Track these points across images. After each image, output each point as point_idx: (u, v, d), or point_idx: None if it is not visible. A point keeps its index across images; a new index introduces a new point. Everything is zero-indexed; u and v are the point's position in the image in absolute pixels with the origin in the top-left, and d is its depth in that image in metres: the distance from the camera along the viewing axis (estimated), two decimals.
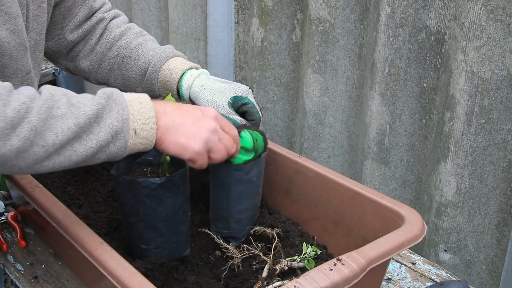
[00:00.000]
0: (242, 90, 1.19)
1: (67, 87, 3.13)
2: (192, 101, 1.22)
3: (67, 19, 1.25)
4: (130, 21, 1.39)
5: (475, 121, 1.58)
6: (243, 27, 2.29)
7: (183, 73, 1.23)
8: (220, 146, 1.00)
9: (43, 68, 3.06)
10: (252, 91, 1.22)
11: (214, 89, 1.18)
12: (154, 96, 1.27)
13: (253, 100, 1.20)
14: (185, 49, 2.52)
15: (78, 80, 3.29)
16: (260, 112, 1.20)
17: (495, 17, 1.48)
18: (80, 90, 3.29)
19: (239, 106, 1.19)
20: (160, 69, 1.24)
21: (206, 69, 2.47)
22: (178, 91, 1.24)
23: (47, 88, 0.90)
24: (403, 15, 1.68)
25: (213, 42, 2.34)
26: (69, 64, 1.31)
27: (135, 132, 0.92)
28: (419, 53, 1.71)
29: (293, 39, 2.10)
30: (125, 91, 1.29)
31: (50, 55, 1.30)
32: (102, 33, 1.29)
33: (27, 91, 0.86)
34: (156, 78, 1.25)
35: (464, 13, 1.53)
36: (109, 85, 1.32)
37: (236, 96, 1.18)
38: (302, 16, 2.05)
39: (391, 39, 1.71)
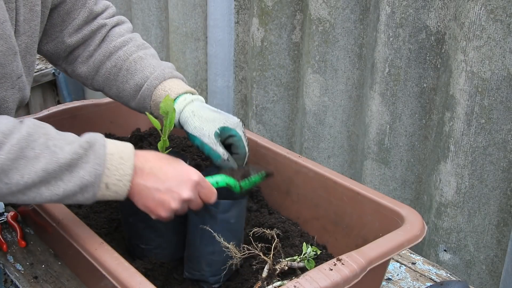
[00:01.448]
0: (232, 122, 1.15)
1: (67, 87, 3.13)
2: (181, 126, 1.19)
3: (66, 22, 1.23)
4: (130, 21, 1.37)
5: (475, 121, 1.58)
6: (243, 27, 2.29)
7: (177, 97, 1.19)
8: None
9: (43, 68, 3.06)
10: (243, 125, 1.18)
11: (204, 117, 1.15)
12: (146, 111, 1.24)
13: (241, 133, 1.15)
14: (185, 49, 2.52)
15: None
16: (247, 147, 1.16)
17: (495, 17, 1.48)
18: (80, 90, 3.29)
19: (226, 137, 1.15)
20: (155, 88, 1.21)
21: (206, 69, 2.47)
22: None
23: (28, 125, 0.90)
24: (403, 15, 1.68)
25: (213, 42, 2.34)
26: (68, 67, 1.30)
27: (107, 186, 0.93)
28: (419, 53, 1.71)
29: (293, 39, 2.10)
30: (120, 102, 1.29)
31: (49, 57, 1.29)
32: (102, 40, 1.27)
33: (4, 125, 0.87)
34: (149, 97, 1.21)
35: (464, 13, 1.53)
36: (104, 93, 1.31)
37: (224, 126, 1.14)
38: (302, 16, 2.05)
39: (391, 39, 1.71)
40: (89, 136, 0.94)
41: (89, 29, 1.25)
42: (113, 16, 1.30)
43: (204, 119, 1.14)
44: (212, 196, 1.03)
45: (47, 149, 0.88)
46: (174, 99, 1.19)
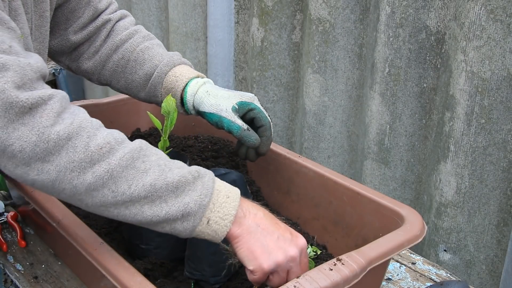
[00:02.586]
0: (248, 96, 1.16)
1: (67, 87, 3.13)
2: (195, 109, 1.19)
3: (71, 21, 1.23)
4: None
5: (475, 121, 1.58)
6: (243, 27, 2.29)
7: (189, 81, 1.20)
8: (283, 275, 0.92)
9: None
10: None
11: (219, 95, 1.16)
12: (157, 101, 1.24)
13: (259, 105, 1.17)
14: (185, 49, 2.52)
15: (78, 80, 3.29)
16: (268, 117, 1.17)
17: (495, 17, 1.48)
18: (80, 90, 3.29)
19: (245, 112, 1.15)
20: (165, 75, 1.21)
21: (206, 69, 2.47)
22: (182, 98, 1.22)
23: (141, 141, 0.87)
24: (403, 15, 1.68)
25: (213, 42, 2.34)
26: (71, 64, 1.30)
27: (208, 222, 0.87)
28: (419, 53, 1.71)
29: (293, 39, 2.10)
30: (128, 94, 1.28)
31: (52, 54, 1.28)
32: (108, 35, 1.27)
33: (118, 134, 0.85)
34: (160, 84, 1.22)
35: (464, 13, 1.53)
36: (111, 87, 1.30)
37: (242, 101, 1.15)
38: (302, 16, 2.05)
39: (391, 39, 1.71)
40: (200, 169, 0.90)
41: (94, 26, 1.26)
42: (116, 11, 1.31)
43: (219, 97, 1.15)
44: (306, 268, 0.94)
45: (158, 166, 0.85)
46: (186, 83, 1.19)
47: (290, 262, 0.90)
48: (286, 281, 0.90)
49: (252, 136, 1.13)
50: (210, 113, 1.15)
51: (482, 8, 1.48)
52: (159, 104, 1.23)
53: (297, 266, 0.92)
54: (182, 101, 1.22)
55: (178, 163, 0.89)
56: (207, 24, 2.37)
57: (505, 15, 1.47)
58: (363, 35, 1.90)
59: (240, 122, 1.13)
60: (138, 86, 1.26)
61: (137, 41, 1.27)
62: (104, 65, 1.27)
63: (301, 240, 0.93)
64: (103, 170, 0.81)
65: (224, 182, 0.92)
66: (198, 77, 1.22)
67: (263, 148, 1.17)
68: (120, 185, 0.83)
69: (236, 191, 0.91)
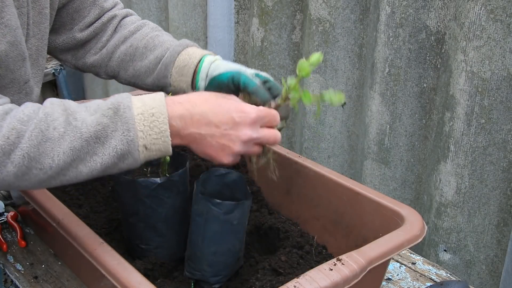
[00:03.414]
0: (263, 73, 1.14)
1: (67, 87, 3.12)
2: (208, 76, 1.15)
3: (76, 20, 1.23)
4: None
5: (475, 121, 1.58)
6: (243, 27, 2.29)
7: (203, 56, 1.17)
8: (255, 149, 0.94)
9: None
10: None
11: (236, 65, 1.14)
12: (165, 83, 1.20)
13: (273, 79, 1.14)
14: None
15: (78, 80, 3.29)
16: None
17: (495, 17, 1.48)
18: (80, 90, 3.29)
19: (261, 83, 1.10)
20: (178, 54, 1.18)
21: None
22: (194, 75, 1.17)
23: (45, 105, 0.85)
24: (403, 15, 1.68)
25: (213, 42, 2.34)
26: (78, 61, 1.28)
27: (146, 148, 0.87)
28: (419, 53, 1.71)
29: (293, 39, 2.10)
30: (134, 83, 1.25)
31: (58, 52, 1.26)
32: (115, 30, 1.26)
33: (21, 113, 0.83)
34: (172, 63, 1.18)
35: (464, 13, 1.53)
36: (118, 78, 1.27)
37: (257, 73, 1.11)
38: (302, 16, 2.05)
39: (391, 39, 1.71)
40: (113, 99, 0.87)
41: (100, 22, 1.25)
42: (122, 9, 1.31)
43: (238, 65, 1.13)
44: (275, 119, 0.94)
45: (70, 125, 0.83)
46: (201, 58, 1.16)
47: (248, 143, 0.91)
48: (264, 147, 0.93)
49: (266, 94, 1.06)
50: (227, 72, 1.10)
51: (482, 8, 1.48)
52: (165, 88, 1.20)
53: (260, 132, 0.92)
54: (193, 79, 1.18)
55: (91, 106, 0.87)
56: (207, 24, 2.37)
57: (505, 15, 1.47)
58: (363, 35, 1.90)
59: (257, 80, 1.07)
60: (147, 71, 1.22)
61: (146, 31, 1.25)
62: (112, 56, 1.25)
63: (251, 113, 0.91)
64: (19, 156, 0.81)
65: (144, 98, 0.89)
66: (210, 54, 1.19)
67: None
68: (43, 161, 0.82)
69: (158, 102, 0.88)
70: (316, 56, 0.97)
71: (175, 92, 1.20)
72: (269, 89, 1.09)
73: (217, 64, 1.15)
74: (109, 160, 0.85)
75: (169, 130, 0.87)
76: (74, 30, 1.24)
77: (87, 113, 0.86)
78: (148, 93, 0.92)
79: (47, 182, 0.86)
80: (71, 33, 1.24)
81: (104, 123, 0.85)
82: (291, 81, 1.02)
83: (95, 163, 0.85)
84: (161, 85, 1.21)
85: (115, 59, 1.25)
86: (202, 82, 1.16)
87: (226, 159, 0.92)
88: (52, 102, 0.86)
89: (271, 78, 1.13)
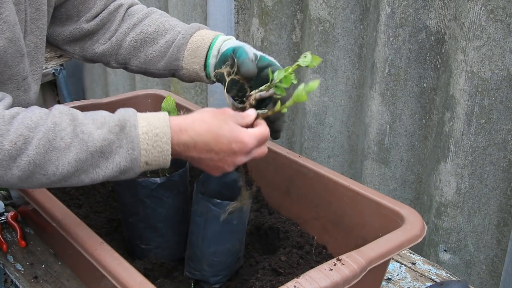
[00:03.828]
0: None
1: (67, 87, 3.12)
2: (219, 53, 1.15)
3: (83, 12, 1.23)
4: None
5: (475, 121, 1.58)
6: (243, 27, 2.29)
7: (216, 36, 1.18)
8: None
9: (43, 68, 3.06)
10: None
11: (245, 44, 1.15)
12: (177, 65, 1.20)
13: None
14: None
15: (78, 81, 3.29)
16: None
17: (495, 17, 1.48)
18: (80, 90, 3.29)
19: (264, 66, 1.10)
20: (191, 36, 1.19)
21: None
22: (206, 57, 1.18)
23: (54, 114, 0.88)
24: (403, 15, 1.68)
25: None
26: (86, 52, 1.27)
27: (147, 164, 0.91)
28: (419, 53, 1.71)
29: (293, 39, 2.10)
30: (146, 69, 1.24)
31: (65, 43, 1.27)
32: (122, 19, 1.26)
33: (28, 119, 0.86)
34: (184, 45, 1.18)
35: (464, 13, 1.53)
36: (129, 65, 1.27)
37: (263, 56, 1.11)
38: (302, 16, 2.05)
39: (391, 39, 1.71)
40: (120, 116, 0.91)
41: (107, 12, 1.25)
42: None
43: (245, 44, 1.14)
44: (266, 140, 0.99)
45: (77, 137, 0.87)
46: (213, 38, 1.17)
47: (241, 164, 0.97)
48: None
49: (252, 66, 1.05)
50: (233, 46, 1.12)
51: (482, 8, 1.48)
52: (176, 71, 1.20)
53: (253, 155, 0.97)
54: (205, 61, 1.18)
55: (98, 119, 0.90)
56: (207, 24, 2.37)
57: (505, 15, 1.47)
58: (363, 35, 1.90)
59: (252, 55, 1.09)
60: (159, 56, 1.22)
61: (155, 17, 1.25)
62: (122, 44, 1.24)
63: (248, 143, 0.95)
64: (25, 162, 0.85)
65: (149, 117, 0.93)
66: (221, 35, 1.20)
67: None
68: (48, 169, 0.86)
69: (163, 122, 0.92)
70: (315, 84, 1.00)
71: (187, 75, 1.19)
72: (272, 73, 1.08)
73: (229, 42, 1.16)
74: (111, 174, 0.90)
75: (170, 150, 0.92)
76: (81, 21, 1.23)
77: (94, 126, 0.89)
78: (152, 112, 0.95)
79: (48, 185, 0.90)
80: (78, 24, 1.24)
81: (110, 139, 0.88)
82: (280, 74, 1.04)
83: (98, 175, 0.89)
84: (173, 68, 1.21)
85: (126, 46, 1.24)
86: (213, 59, 1.17)
87: (217, 174, 0.99)
88: (60, 112, 0.89)
89: (275, 62, 1.12)
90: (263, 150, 1.00)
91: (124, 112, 0.92)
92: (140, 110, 1.52)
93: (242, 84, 1.06)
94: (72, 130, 0.87)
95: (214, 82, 1.19)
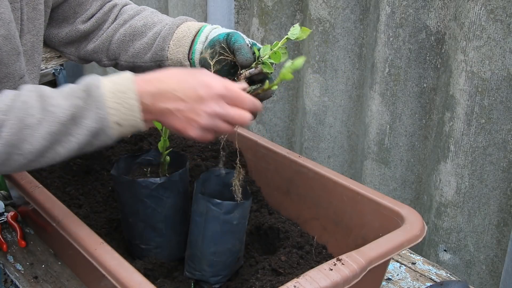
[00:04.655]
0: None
1: None
2: (207, 40, 1.14)
3: (79, 13, 1.24)
4: None
5: (475, 121, 1.58)
6: (243, 27, 2.29)
7: (202, 26, 1.17)
8: (223, 126, 0.94)
9: (43, 68, 3.06)
10: None
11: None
12: (162, 56, 1.19)
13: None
14: None
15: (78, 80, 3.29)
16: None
17: (495, 17, 1.48)
18: None
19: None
20: (177, 27, 1.19)
21: None
22: (192, 45, 1.17)
23: (22, 94, 0.89)
24: (403, 15, 1.68)
25: None
26: (81, 52, 1.28)
27: (118, 124, 0.90)
28: (419, 53, 1.71)
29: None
30: (134, 63, 1.24)
31: (62, 45, 1.27)
32: (115, 18, 1.27)
33: (2, 104, 0.87)
34: (170, 35, 1.18)
35: (464, 13, 1.53)
36: (119, 61, 1.27)
37: (255, 43, 1.10)
38: (302, 16, 2.05)
39: (391, 39, 1.71)
40: (84, 82, 0.92)
41: (101, 12, 1.25)
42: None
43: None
44: (243, 101, 0.95)
45: (45, 111, 0.88)
46: (200, 28, 1.16)
47: (215, 117, 0.92)
48: (232, 123, 0.94)
49: (249, 54, 1.05)
50: (224, 32, 1.11)
51: (482, 8, 1.48)
52: (162, 63, 1.19)
53: (228, 109, 0.93)
54: (190, 49, 1.17)
55: (65, 90, 0.91)
56: None
57: (505, 15, 1.47)
58: (363, 35, 1.90)
59: (248, 41, 1.08)
60: (146, 48, 1.22)
61: (145, 14, 1.26)
62: (112, 39, 1.25)
63: (216, 86, 0.92)
64: (1, 144, 0.86)
65: (113, 77, 0.92)
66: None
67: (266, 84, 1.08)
68: (24, 147, 0.87)
69: (126, 79, 0.91)
70: (300, 61, 0.97)
71: (171, 66, 1.18)
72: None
73: (218, 30, 1.15)
74: (84, 139, 0.90)
75: (138, 105, 0.90)
76: (77, 22, 1.24)
77: (61, 98, 0.90)
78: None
79: (28, 166, 0.91)
80: (74, 25, 1.24)
81: (78, 105, 0.89)
82: (265, 50, 1.03)
83: (71, 143, 0.90)
84: (158, 59, 1.20)
85: (115, 41, 1.24)
86: (200, 45, 1.15)
87: (193, 132, 0.93)
88: (28, 89, 0.90)
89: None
90: (239, 112, 0.94)
91: (89, 78, 0.93)
92: None
93: (231, 65, 1.05)
94: (41, 105, 0.88)
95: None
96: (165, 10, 2.64)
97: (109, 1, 1.28)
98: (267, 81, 1.02)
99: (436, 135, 1.73)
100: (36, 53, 1.12)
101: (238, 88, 0.95)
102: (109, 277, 0.91)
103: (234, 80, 1.03)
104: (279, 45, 1.03)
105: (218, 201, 1.06)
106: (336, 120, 2.02)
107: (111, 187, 1.36)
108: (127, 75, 0.92)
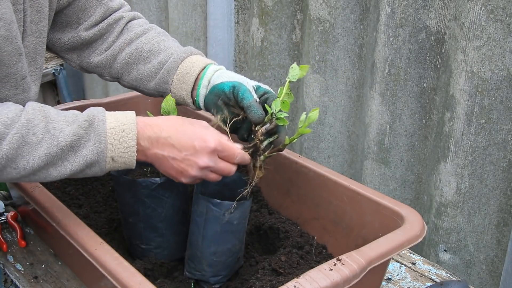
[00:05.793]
0: (265, 86, 1.16)
1: (67, 87, 3.13)
2: (210, 84, 1.16)
3: (82, 19, 1.24)
4: None
5: (475, 121, 1.58)
6: (243, 27, 2.29)
7: (207, 66, 1.19)
8: (212, 176, 1.02)
9: (43, 68, 3.06)
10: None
11: (239, 76, 1.16)
12: (166, 89, 1.22)
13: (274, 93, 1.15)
14: None
15: (78, 80, 3.29)
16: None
17: (495, 17, 1.48)
18: (80, 90, 3.29)
19: (261, 94, 1.12)
20: (182, 61, 1.20)
21: None
22: (195, 83, 1.19)
23: (27, 111, 0.92)
24: (403, 15, 1.68)
25: (213, 42, 2.34)
26: (83, 61, 1.28)
27: (113, 159, 0.96)
28: (419, 53, 1.71)
29: (293, 39, 2.10)
30: (136, 87, 1.27)
31: (63, 51, 1.27)
32: (121, 32, 1.27)
33: (4, 116, 0.90)
34: (174, 70, 1.20)
35: (464, 13, 1.53)
36: (121, 80, 1.28)
37: (259, 85, 1.14)
38: (302, 16, 2.05)
39: (391, 39, 1.71)
40: (89, 112, 0.96)
41: (106, 23, 1.26)
42: (129, 12, 1.31)
43: (241, 76, 1.16)
44: (233, 157, 1.01)
45: (48, 133, 0.92)
46: (203, 68, 1.19)
47: (205, 170, 0.99)
48: (222, 174, 1.02)
49: (260, 110, 1.08)
50: (229, 81, 1.13)
51: (482, 8, 1.48)
52: (165, 94, 1.22)
53: (218, 163, 1.00)
54: (194, 88, 1.19)
55: (69, 117, 0.95)
56: (207, 24, 2.37)
57: (505, 15, 1.47)
58: (363, 35, 1.90)
59: (255, 95, 1.11)
60: (150, 76, 1.24)
61: (152, 35, 1.27)
62: (116, 58, 1.26)
63: (210, 142, 0.98)
64: None
65: (117, 114, 0.98)
66: (213, 64, 1.21)
67: (282, 133, 1.11)
68: (19, 163, 0.90)
69: (130, 119, 0.97)
70: (315, 114, 1.05)
71: (175, 100, 1.20)
72: (266, 100, 1.12)
73: (221, 73, 1.17)
74: (78, 167, 0.94)
75: (136, 147, 0.96)
76: (80, 29, 1.24)
77: (65, 123, 0.94)
78: (122, 111, 1.00)
79: (17, 180, 0.94)
80: (77, 32, 1.24)
81: (79, 134, 0.93)
82: (276, 105, 1.07)
83: (65, 168, 0.94)
84: (161, 90, 1.23)
85: (120, 61, 1.26)
86: (203, 89, 1.18)
87: (184, 180, 1.01)
88: (34, 108, 0.94)
89: (271, 90, 1.15)
90: (228, 167, 1.02)
91: (93, 109, 0.97)
92: (140, 110, 1.53)
93: (236, 116, 1.11)
94: (44, 126, 0.92)
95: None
96: (165, 10, 2.64)
97: (115, 11, 1.28)
98: (286, 137, 1.08)
99: (436, 135, 1.73)
100: (39, 55, 1.12)
101: (230, 145, 1.01)
102: (109, 277, 0.92)
103: (252, 137, 1.08)
104: (284, 91, 1.08)
105: (218, 201, 1.06)
106: (336, 120, 2.02)
107: (111, 187, 1.36)
108: (131, 115, 0.98)
